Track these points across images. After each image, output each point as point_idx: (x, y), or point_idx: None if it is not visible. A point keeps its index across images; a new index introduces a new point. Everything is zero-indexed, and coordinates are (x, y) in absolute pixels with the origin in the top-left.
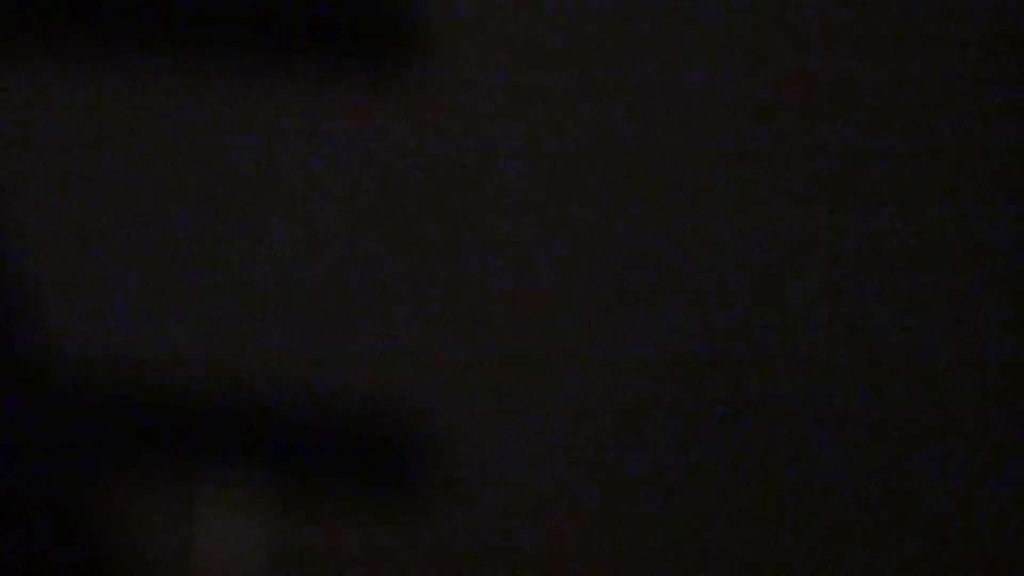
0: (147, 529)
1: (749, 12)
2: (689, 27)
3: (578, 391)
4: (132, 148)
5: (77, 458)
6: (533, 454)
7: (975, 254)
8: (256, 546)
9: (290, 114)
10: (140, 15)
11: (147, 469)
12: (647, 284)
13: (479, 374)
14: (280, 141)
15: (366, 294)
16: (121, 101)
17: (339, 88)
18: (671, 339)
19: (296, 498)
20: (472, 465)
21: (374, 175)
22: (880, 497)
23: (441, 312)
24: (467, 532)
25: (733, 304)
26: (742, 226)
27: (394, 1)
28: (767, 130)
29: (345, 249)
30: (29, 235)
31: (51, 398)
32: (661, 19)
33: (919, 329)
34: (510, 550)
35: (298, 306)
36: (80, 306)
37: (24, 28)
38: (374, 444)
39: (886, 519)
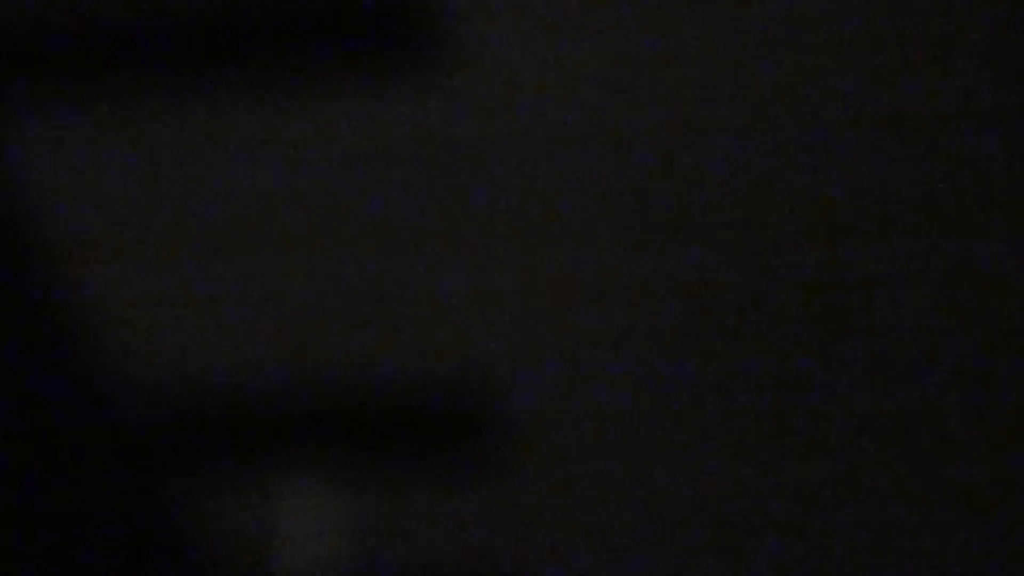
0: (230, 517)
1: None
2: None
3: (646, 361)
4: (163, 154)
5: (158, 454)
6: (604, 422)
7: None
8: (336, 524)
9: (317, 104)
10: (156, 15)
11: (226, 459)
12: (697, 260)
13: (546, 346)
14: (319, 129)
15: (421, 275)
16: (151, 108)
17: (363, 78)
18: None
19: (372, 475)
20: (544, 433)
21: (402, 159)
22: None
23: (500, 287)
24: (539, 501)
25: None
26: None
27: None
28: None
29: (396, 234)
30: (94, 256)
31: (130, 402)
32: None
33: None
34: (583, 517)
35: (356, 291)
36: (145, 318)
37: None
38: (445, 418)
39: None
